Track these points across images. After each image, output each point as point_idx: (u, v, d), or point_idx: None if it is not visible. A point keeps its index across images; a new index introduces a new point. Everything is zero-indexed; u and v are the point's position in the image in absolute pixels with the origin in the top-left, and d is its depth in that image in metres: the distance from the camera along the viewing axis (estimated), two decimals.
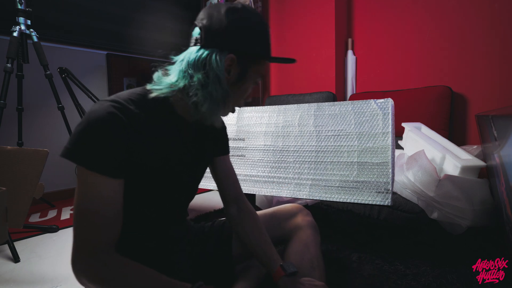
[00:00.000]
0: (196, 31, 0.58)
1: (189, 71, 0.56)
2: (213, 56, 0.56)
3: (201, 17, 0.59)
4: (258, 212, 0.85)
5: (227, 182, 0.79)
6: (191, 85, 0.57)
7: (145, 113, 0.57)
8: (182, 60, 0.58)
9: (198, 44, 0.57)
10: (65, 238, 1.42)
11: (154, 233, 0.66)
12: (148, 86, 0.60)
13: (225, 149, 0.80)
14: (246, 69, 0.60)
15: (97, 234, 0.50)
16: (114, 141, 0.51)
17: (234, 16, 0.57)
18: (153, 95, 0.58)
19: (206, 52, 0.56)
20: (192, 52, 0.57)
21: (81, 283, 0.52)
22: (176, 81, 0.58)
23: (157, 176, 0.60)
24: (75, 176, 0.54)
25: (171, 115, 0.61)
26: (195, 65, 0.56)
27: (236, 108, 1.24)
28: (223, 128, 0.79)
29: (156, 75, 0.60)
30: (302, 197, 0.99)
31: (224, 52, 0.56)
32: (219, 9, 0.57)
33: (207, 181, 1.19)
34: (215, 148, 0.77)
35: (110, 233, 0.51)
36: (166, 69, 0.61)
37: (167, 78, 0.59)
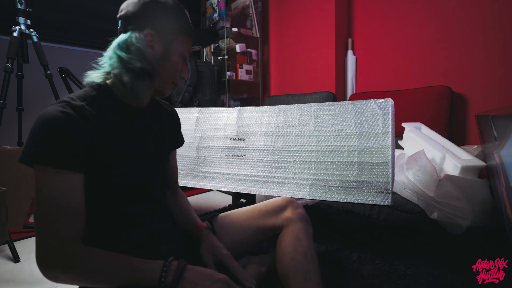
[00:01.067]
0: (119, 23, 0.68)
1: (115, 52, 0.64)
2: (133, 35, 0.64)
3: (120, 9, 0.68)
4: (247, 208, 0.85)
5: (171, 172, 0.87)
6: (114, 64, 0.63)
7: (94, 107, 0.60)
8: (109, 49, 0.66)
9: (121, 32, 0.67)
10: None
11: (134, 229, 0.65)
12: (86, 78, 0.67)
13: (181, 142, 0.91)
14: (170, 43, 0.67)
15: (61, 228, 0.51)
16: (67, 135, 0.53)
17: (146, 0, 0.65)
18: (87, 80, 0.66)
19: (127, 35, 0.65)
20: (117, 39, 0.66)
21: (51, 278, 0.52)
22: (104, 67, 0.65)
23: (120, 167, 0.62)
24: None
25: (118, 105, 0.66)
26: (120, 47, 0.64)
27: (236, 108, 1.24)
28: (179, 121, 0.89)
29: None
30: (302, 197, 0.99)
31: (142, 30, 0.64)
32: None
33: (207, 181, 1.19)
34: (175, 142, 0.87)
35: (74, 226, 0.53)
36: (98, 61, 0.68)
37: (101, 65, 0.66)
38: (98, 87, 0.64)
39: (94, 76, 0.66)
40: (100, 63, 0.67)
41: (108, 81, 0.67)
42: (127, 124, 0.66)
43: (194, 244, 0.77)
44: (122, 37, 0.65)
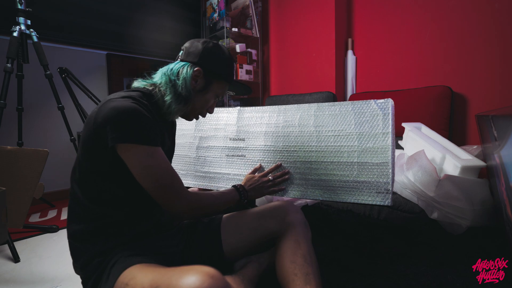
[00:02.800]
0: (180, 52, 0.81)
1: (167, 73, 0.77)
2: (186, 66, 0.78)
3: (186, 45, 0.82)
4: (248, 211, 0.87)
5: None
6: (163, 82, 0.77)
7: (147, 107, 0.71)
8: (166, 67, 0.80)
9: (179, 59, 0.80)
10: (65, 238, 1.42)
11: (146, 217, 0.76)
12: (135, 83, 0.80)
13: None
14: (210, 82, 0.81)
15: (179, 183, 0.70)
16: (149, 121, 0.66)
17: (207, 45, 0.80)
18: (134, 85, 0.79)
19: (181, 64, 0.78)
20: (175, 63, 0.80)
21: (190, 211, 0.71)
22: (156, 80, 0.79)
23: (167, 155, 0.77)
24: None
25: (157, 112, 0.77)
26: (172, 70, 0.78)
27: (236, 108, 1.24)
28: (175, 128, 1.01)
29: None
30: (302, 197, 0.99)
31: (194, 66, 0.78)
32: (199, 41, 0.81)
33: (207, 181, 1.19)
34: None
35: (180, 180, 0.72)
36: (152, 72, 0.82)
37: (152, 78, 0.80)
38: (148, 95, 0.76)
39: (142, 83, 0.79)
40: (152, 75, 0.81)
41: (155, 96, 0.77)
42: (162, 129, 0.78)
43: (191, 237, 0.83)
44: (178, 64, 0.79)
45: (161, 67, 0.81)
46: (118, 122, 0.62)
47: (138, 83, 0.79)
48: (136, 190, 0.68)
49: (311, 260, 0.72)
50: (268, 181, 0.93)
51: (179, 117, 0.86)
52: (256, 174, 0.98)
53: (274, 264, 0.77)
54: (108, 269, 0.64)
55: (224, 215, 0.88)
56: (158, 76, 0.79)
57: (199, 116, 0.85)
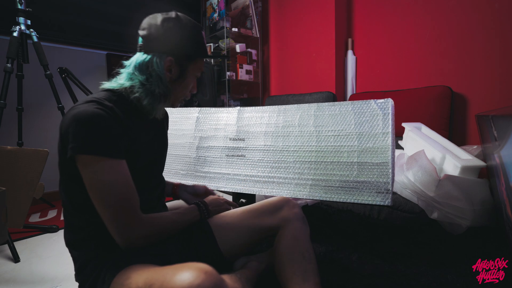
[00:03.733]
0: (140, 40, 0.72)
1: (135, 73, 0.70)
2: (154, 59, 0.70)
3: (143, 27, 0.73)
4: (243, 208, 0.86)
5: None
6: (135, 85, 0.69)
7: (119, 109, 0.66)
8: (130, 64, 0.72)
9: (142, 51, 0.71)
10: None
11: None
12: (104, 85, 0.72)
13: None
14: (185, 67, 0.74)
15: (133, 206, 0.61)
16: (113, 128, 0.60)
17: (168, 24, 0.70)
18: (104, 86, 0.71)
19: (148, 57, 0.70)
20: (137, 57, 0.71)
21: (133, 244, 0.62)
22: (124, 82, 0.70)
23: (138, 163, 0.69)
24: None
25: (135, 111, 0.71)
26: (140, 68, 0.70)
27: (236, 108, 1.24)
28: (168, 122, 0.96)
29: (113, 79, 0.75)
30: (302, 197, 0.99)
31: (163, 56, 0.70)
32: (156, 19, 0.71)
33: (207, 181, 1.19)
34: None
35: (137, 201, 0.63)
36: (119, 72, 0.74)
37: (119, 79, 0.72)
38: (119, 94, 0.70)
39: (112, 85, 0.71)
40: (120, 74, 0.73)
41: (125, 94, 0.72)
42: (142, 127, 0.73)
43: (188, 237, 0.79)
44: (143, 57, 0.70)
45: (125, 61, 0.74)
46: (76, 132, 0.57)
47: (108, 85, 0.72)
48: None
49: (309, 256, 0.72)
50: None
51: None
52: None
53: (272, 262, 0.76)
54: (103, 272, 0.63)
55: (216, 215, 0.86)
56: (124, 78, 0.71)
57: (184, 100, 0.82)
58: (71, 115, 0.58)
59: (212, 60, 2.76)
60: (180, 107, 1.56)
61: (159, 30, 0.70)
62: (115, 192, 0.59)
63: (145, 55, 0.70)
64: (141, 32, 0.72)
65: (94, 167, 0.58)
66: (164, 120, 0.89)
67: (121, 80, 0.71)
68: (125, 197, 0.60)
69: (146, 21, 0.73)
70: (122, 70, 0.73)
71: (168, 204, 0.95)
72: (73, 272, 0.70)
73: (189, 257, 0.74)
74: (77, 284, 0.69)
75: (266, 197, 1.41)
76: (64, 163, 0.62)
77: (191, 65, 0.75)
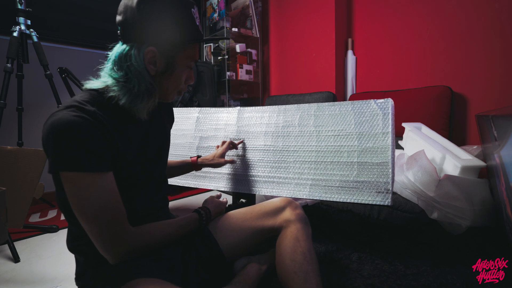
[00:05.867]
0: (118, 28, 0.63)
1: (114, 69, 0.61)
2: (132, 51, 0.60)
3: (119, 11, 0.62)
4: (245, 209, 0.85)
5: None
6: (111, 84, 0.61)
7: (103, 112, 0.59)
8: (110, 58, 0.63)
9: (121, 41, 0.62)
10: (65, 238, 1.42)
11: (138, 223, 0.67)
12: (87, 84, 0.63)
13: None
14: (172, 57, 0.62)
15: (118, 220, 0.57)
16: (92, 139, 0.54)
17: (146, 6, 0.58)
18: (87, 86, 0.63)
19: (126, 48, 0.60)
20: (116, 49, 0.62)
21: (121, 259, 0.58)
22: (106, 80, 0.62)
23: (129, 169, 0.64)
24: None
25: (123, 112, 0.64)
26: (119, 62, 0.61)
27: (236, 108, 1.24)
28: (173, 113, 0.90)
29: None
30: (302, 197, 0.99)
31: (142, 46, 0.60)
32: (132, 0, 0.59)
33: (207, 181, 1.19)
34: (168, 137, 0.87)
35: (124, 214, 0.58)
36: (100, 68, 0.65)
37: (102, 76, 0.63)
38: (103, 93, 0.62)
39: (95, 85, 0.63)
40: (101, 73, 0.64)
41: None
42: (132, 129, 0.66)
43: (189, 240, 0.78)
44: (121, 49, 0.61)
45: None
46: (54, 145, 0.52)
47: (90, 85, 0.63)
48: None
49: (311, 257, 0.72)
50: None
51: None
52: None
53: (274, 263, 0.76)
54: (102, 281, 0.61)
55: (219, 217, 0.85)
56: (105, 74, 0.63)
57: (179, 93, 0.70)
58: (49, 124, 0.53)
59: (212, 59, 2.76)
60: (180, 107, 1.58)
61: (135, 15, 0.58)
62: (97, 207, 0.54)
63: (123, 46, 0.61)
64: (117, 18, 0.62)
65: (75, 183, 0.53)
66: (164, 115, 0.81)
67: (104, 78, 0.62)
68: (109, 212, 0.55)
69: (122, 3, 0.62)
70: (104, 66, 0.64)
71: (174, 203, 0.95)
72: (73, 272, 0.70)
73: (191, 260, 0.74)
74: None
75: (266, 197, 1.41)
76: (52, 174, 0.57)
77: (180, 54, 0.63)
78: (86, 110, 0.55)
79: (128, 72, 0.60)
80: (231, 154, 1.16)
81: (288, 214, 0.79)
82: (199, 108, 1.28)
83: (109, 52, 0.64)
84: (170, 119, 0.89)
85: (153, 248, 0.64)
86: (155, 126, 0.76)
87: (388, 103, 0.88)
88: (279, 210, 0.80)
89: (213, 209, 0.83)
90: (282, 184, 1.03)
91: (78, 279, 0.67)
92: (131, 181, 0.65)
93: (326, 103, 0.99)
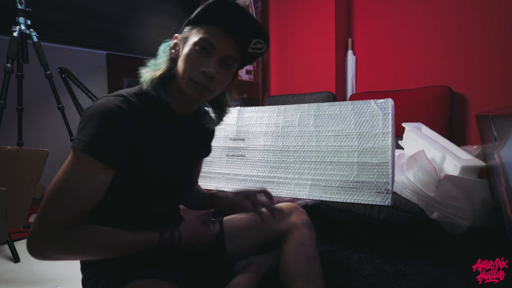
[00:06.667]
0: None
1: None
2: (166, 43, 0.68)
3: None
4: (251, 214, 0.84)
5: (193, 176, 0.90)
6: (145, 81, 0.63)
7: (146, 106, 0.61)
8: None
9: None
10: None
11: (147, 226, 0.64)
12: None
13: (209, 151, 0.89)
14: (186, 37, 0.63)
15: (70, 214, 0.51)
16: (118, 132, 0.54)
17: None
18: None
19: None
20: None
21: (40, 256, 0.51)
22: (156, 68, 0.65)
23: (153, 168, 0.63)
24: None
25: (165, 108, 0.65)
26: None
27: (236, 108, 1.24)
28: (213, 135, 0.88)
29: None
30: (302, 197, 0.99)
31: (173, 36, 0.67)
32: None
33: (207, 181, 1.19)
34: (205, 150, 0.86)
35: (82, 215, 0.52)
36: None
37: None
38: (158, 98, 0.63)
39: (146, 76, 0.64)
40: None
41: (170, 93, 0.66)
42: (169, 128, 0.66)
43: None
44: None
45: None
46: (84, 124, 0.53)
47: (143, 78, 0.65)
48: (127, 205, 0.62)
49: (314, 262, 0.72)
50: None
51: (199, 103, 0.69)
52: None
53: (277, 265, 0.76)
54: (106, 277, 0.60)
55: (226, 217, 0.85)
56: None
57: (195, 83, 0.59)
58: (93, 106, 0.55)
59: None
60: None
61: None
62: (66, 188, 0.51)
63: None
64: None
65: (73, 158, 0.52)
66: (204, 131, 0.80)
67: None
68: (74, 200, 0.51)
69: None
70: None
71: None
72: (73, 272, 0.70)
73: (194, 259, 0.74)
74: (77, 284, 0.68)
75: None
76: None
77: (191, 33, 0.62)
78: (130, 101, 0.58)
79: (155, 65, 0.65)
80: (231, 154, 1.16)
81: (294, 218, 0.80)
82: None
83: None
84: (208, 140, 0.86)
85: (83, 257, 0.59)
86: (195, 136, 0.75)
87: (388, 103, 0.88)
88: (285, 215, 0.81)
89: (186, 235, 0.61)
90: (282, 184, 1.03)
91: (84, 270, 0.66)
92: (148, 179, 0.63)
93: (326, 103, 0.99)
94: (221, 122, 0.77)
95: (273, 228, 0.80)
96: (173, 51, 0.64)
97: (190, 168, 0.78)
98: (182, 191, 0.80)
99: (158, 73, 0.62)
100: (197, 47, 0.60)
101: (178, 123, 0.68)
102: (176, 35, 0.65)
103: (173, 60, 0.64)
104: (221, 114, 0.76)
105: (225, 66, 0.62)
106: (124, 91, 0.60)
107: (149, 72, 0.63)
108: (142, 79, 0.63)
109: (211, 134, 0.87)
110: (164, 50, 0.66)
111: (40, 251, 0.51)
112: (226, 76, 0.64)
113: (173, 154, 0.67)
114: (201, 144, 0.80)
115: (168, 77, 0.63)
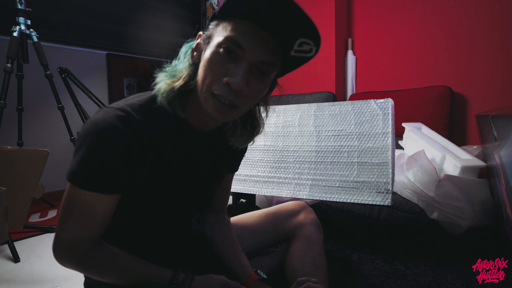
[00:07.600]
0: None
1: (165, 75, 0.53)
2: (186, 45, 0.57)
3: None
4: (261, 211, 0.85)
5: (221, 195, 0.75)
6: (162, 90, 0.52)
7: (154, 120, 0.51)
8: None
9: None
10: None
11: (155, 240, 0.63)
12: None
13: (237, 167, 0.76)
14: (210, 37, 0.49)
15: (80, 240, 0.50)
16: (112, 157, 0.46)
17: None
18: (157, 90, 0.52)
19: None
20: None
21: (64, 265, 0.52)
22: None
23: (160, 191, 0.56)
24: None
25: (182, 128, 0.55)
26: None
27: None
28: (244, 153, 0.75)
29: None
30: (302, 197, 0.99)
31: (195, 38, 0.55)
32: None
33: None
34: (230, 165, 0.72)
35: (93, 238, 0.51)
36: None
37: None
38: (170, 113, 0.52)
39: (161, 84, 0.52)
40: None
41: (186, 106, 0.54)
42: (185, 147, 0.56)
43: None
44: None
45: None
46: (78, 148, 0.46)
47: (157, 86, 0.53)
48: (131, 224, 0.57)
49: (320, 262, 0.72)
50: None
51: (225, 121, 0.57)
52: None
53: (283, 264, 0.76)
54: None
55: (233, 218, 0.84)
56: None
57: (214, 97, 0.47)
58: (89, 122, 0.47)
59: None
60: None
61: None
62: (78, 214, 0.49)
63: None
64: None
65: (72, 188, 0.48)
66: (230, 149, 0.64)
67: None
68: (85, 224, 0.49)
69: None
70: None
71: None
72: (74, 272, 0.69)
73: (194, 258, 0.73)
74: (77, 284, 0.68)
75: (266, 197, 1.41)
76: None
77: (215, 32, 0.48)
78: (131, 120, 0.48)
79: (174, 73, 0.52)
80: None
81: (302, 217, 0.79)
82: None
83: None
84: (235, 158, 0.72)
85: (100, 278, 0.54)
86: (213, 155, 0.62)
87: (388, 103, 0.88)
88: (293, 214, 0.81)
89: (199, 283, 0.55)
90: (282, 184, 1.03)
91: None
92: (152, 202, 0.57)
93: (326, 103, 0.99)
94: (251, 142, 0.62)
95: (281, 227, 0.79)
96: (195, 53, 0.51)
97: (211, 189, 0.69)
98: (200, 209, 0.73)
99: (177, 84, 0.50)
100: (221, 50, 0.46)
101: (197, 141, 0.57)
102: (200, 33, 0.51)
103: (195, 66, 0.51)
104: (252, 131, 0.60)
105: (258, 74, 0.48)
106: (129, 104, 0.50)
107: (166, 82, 0.51)
108: (156, 88, 0.52)
109: (241, 151, 0.72)
110: (185, 52, 0.53)
111: (61, 263, 0.52)
112: (260, 88, 0.50)
113: (187, 175, 0.58)
114: (225, 162, 0.67)
115: (188, 90, 0.51)
